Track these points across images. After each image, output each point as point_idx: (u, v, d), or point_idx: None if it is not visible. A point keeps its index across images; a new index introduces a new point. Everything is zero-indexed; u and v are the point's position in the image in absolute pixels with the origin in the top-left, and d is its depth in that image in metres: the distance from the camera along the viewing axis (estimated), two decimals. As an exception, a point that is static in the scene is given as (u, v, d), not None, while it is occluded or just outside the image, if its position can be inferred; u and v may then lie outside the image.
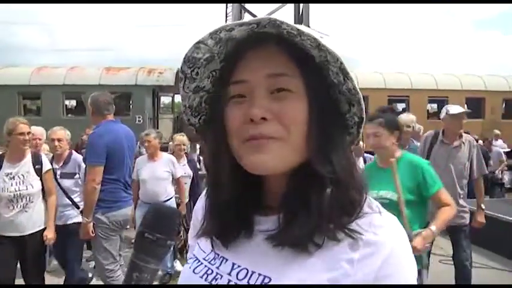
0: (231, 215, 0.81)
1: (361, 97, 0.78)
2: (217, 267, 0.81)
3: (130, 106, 14.39)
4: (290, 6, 10.26)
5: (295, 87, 0.74)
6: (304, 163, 0.75)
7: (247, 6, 10.63)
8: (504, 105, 15.95)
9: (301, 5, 9.93)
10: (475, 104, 15.30)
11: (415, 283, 0.74)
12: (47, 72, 14.24)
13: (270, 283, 0.73)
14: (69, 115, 14.16)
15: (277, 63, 0.75)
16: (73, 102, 15.85)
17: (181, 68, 0.83)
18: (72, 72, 14.20)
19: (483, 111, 15.15)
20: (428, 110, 15.64)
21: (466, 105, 15.32)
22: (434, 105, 16.72)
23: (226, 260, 0.81)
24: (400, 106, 16.30)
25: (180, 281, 0.87)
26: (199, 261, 0.86)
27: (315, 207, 0.72)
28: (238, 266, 0.78)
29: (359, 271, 0.70)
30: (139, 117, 13.71)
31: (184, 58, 0.81)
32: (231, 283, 0.77)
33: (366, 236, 0.71)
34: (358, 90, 0.77)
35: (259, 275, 0.74)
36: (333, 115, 0.78)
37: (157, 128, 14.95)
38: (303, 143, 0.74)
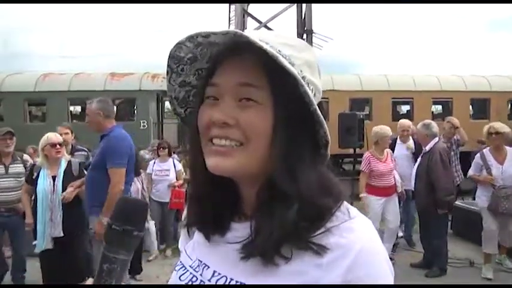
0: (207, 212, 0.85)
1: (323, 121, 0.79)
2: (201, 274, 0.85)
3: (135, 111, 14.41)
4: (293, 9, 10.24)
5: (262, 99, 0.76)
6: (270, 176, 0.77)
7: (250, 10, 10.64)
8: (510, 106, 15.84)
9: (304, 7, 9.92)
10: (480, 105, 15.23)
11: (391, 283, 0.75)
12: (52, 78, 14.27)
13: None
14: (74, 121, 14.17)
15: (248, 73, 0.77)
16: (78, 108, 15.89)
17: (167, 62, 0.86)
18: (77, 79, 14.22)
19: (488, 113, 15.06)
20: (433, 112, 15.57)
21: (471, 106, 15.43)
22: (439, 107, 16.64)
23: (208, 267, 0.84)
24: (405, 108, 16.26)
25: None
26: (185, 268, 0.90)
27: (278, 220, 0.74)
28: (219, 274, 0.82)
29: (328, 274, 0.71)
30: (143, 122, 13.73)
31: (169, 54, 0.84)
32: None
33: (334, 240, 0.73)
34: (319, 113, 0.78)
35: (236, 282, 0.78)
36: (304, 132, 0.79)
37: (162, 133, 14.99)
38: (265, 154, 0.76)
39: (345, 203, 0.79)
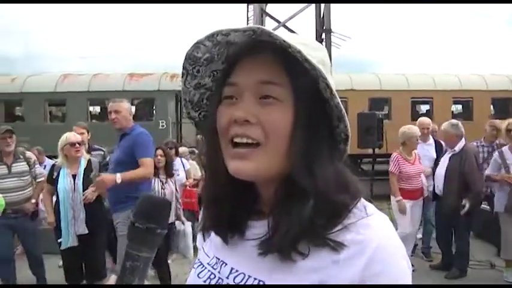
0: (225, 213, 0.85)
1: (345, 115, 0.79)
2: (219, 272, 0.85)
3: (154, 111, 14.56)
4: (312, 9, 10.22)
5: (283, 97, 0.76)
6: (289, 173, 0.76)
7: (268, 9, 10.64)
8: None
9: (322, 6, 9.89)
10: (502, 104, 14.98)
11: (409, 281, 0.74)
12: (72, 79, 14.49)
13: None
14: (94, 121, 14.36)
15: (269, 71, 0.77)
16: (97, 109, 16.09)
17: (183, 64, 0.86)
18: (97, 79, 14.42)
19: (510, 112, 14.79)
20: (453, 111, 15.37)
21: (492, 106, 15.18)
22: (459, 106, 16.43)
23: (226, 264, 0.85)
24: (424, 107, 16.08)
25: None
26: (203, 266, 0.90)
27: (296, 217, 0.74)
28: (236, 271, 0.82)
29: (344, 271, 0.71)
30: (162, 122, 13.86)
31: (186, 55, 0.84)
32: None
33: (351, 237, 0.72)
34: (342, 107, 0.78)
35: (255, 279, 0.78)
36: (322, 128, 0.79)
37: (181, 133, 15.09)
38: (285, 151, 0.76)
39: (362, 200, 0.78)
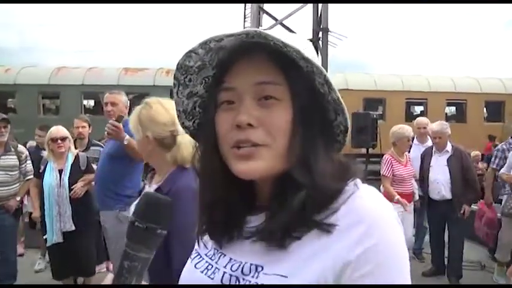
0: (222, 217, 0.85)
1: (345, 107, 0.80)
2: (216, 262, 0.85)
3: (148, 106, 14.48)
4: (309, 7, 10.22)
5: (282, 95, 0.77)
6: (287, 169, 0.77)
7: (266, 7, 10.62)
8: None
9: (320, 6, 9.88)
10: (495, 107, 15.10)
11: (405, 251, 0.73)
12: (66, 72, 14.40)
13: (262, 271, 0.75)
14: (88, 114, 14.26)
15: (264, 72, 0.77)
16: (91, 102, 16.01)
17: (174, 75, 0.86)
18: (91, 73, 14.35)
19: (503, 115, 14.91)
20: (446, 113, 15.45)
21: (485, 109, 15.28)
22: (453, 108, 16.52)
23: (225, 255, 0.84)
24: (418, 109, 16.16)
25: (183, 275, 0.91)
26: (201, 256, 0.90)
27: (291, 207, 0.74)
28: (235, 260, 0.81)
29: (341, 240, 0.71)
30: (156, 118, 13.79)
31: (177, 65, 0.84)
32: (225, 275, 0.80)
33: (344, 212, 0.73)
34: (342, 101, 0.79)
35: (251, 264, 0.77)
36: (320, 123, 0.80)
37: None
38: (286, 148, 0.76)
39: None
